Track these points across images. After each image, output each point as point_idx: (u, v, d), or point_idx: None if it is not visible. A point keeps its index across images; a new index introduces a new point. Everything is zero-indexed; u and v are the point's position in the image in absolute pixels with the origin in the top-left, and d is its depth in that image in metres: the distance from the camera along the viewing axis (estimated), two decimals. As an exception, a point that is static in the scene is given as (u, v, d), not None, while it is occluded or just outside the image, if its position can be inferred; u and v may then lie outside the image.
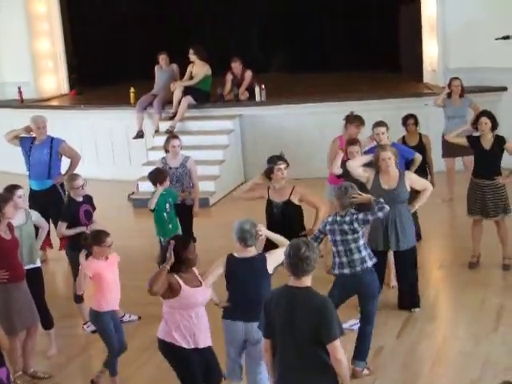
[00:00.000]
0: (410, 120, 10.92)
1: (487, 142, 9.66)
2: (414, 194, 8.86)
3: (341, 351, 5.31)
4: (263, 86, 14.71)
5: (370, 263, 7.60)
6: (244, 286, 6.67)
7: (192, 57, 14.56)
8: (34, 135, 10.68)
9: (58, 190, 10.62)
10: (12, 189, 8.23)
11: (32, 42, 16.56)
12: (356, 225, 7.53)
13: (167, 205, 9.42)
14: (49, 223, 9.58)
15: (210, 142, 14.22)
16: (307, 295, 5.36)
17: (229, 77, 14.97)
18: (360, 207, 7.68)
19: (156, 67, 15.01)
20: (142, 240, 11.10)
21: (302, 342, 5.29)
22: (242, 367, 6.92)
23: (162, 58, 14.87)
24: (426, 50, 15.25)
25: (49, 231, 9.50)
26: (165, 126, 14.57)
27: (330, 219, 7.68)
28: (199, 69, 14.53)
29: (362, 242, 7.64)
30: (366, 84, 15.63)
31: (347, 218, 7.56)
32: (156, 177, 9.49)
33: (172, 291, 6.26)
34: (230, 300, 6.81)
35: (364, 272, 7.54)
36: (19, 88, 16.10)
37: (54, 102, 16.66)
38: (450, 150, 11.83)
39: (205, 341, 6.43)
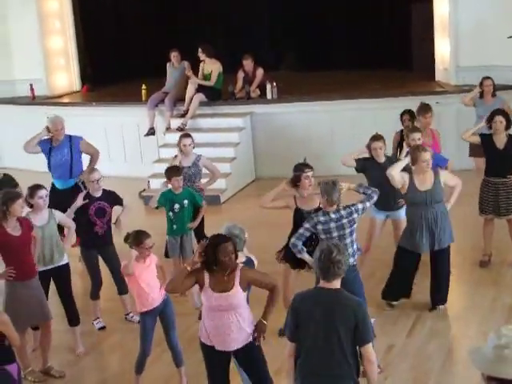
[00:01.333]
0: (405, 116, 10.92)
1: (501, 141, 9.64)
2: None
3: (374, 354, 5.34)
4: (274, 84, 14.71)
5: (352, 260, 7.52)
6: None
7: (201, 55, 14.58)
8: (51, 135, 10.68)
9: (80, 187, 10.65)
10: (34, 189, 8.26)
11: (44, 39, 16.61)
12: (356, 215, 7.49)
13: (176, 205, 9.28)
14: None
15: (221, 140, 14.24)
16: (343, 297, 5.39)
17: (240, 74, 14.97)
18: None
19: (168, 64, 15.03)
20: (153, 237, 11.04)
21: (335, 344, 5.25)
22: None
23: (174, 56, 14.89)
24: (437, 49, 15.22)
25: None
26: (176, 123, 14.60)
27: (321, 218, 7.46)
28: (211, 67, 14.54)
29: (355, 234, 7.59)
30: (378, 82, 15.61)
31: (343, 212, 7.47)
32: (166, 174, 9.47)
33: (200, 288, 6.31)
34: None
35: (348, 270, 7.43)
36: (31, 85, 16.16)
37: (66, 99, 16.70)
38: (477, 149, 11.56)
39: (226, 344, 6.33)
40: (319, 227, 7.48)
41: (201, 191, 10.12)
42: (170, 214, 9.30)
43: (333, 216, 7.47)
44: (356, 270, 7.58)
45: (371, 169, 9.23)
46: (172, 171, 9.38)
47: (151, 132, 14.79)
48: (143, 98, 15.14)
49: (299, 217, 8.11)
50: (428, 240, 8.50)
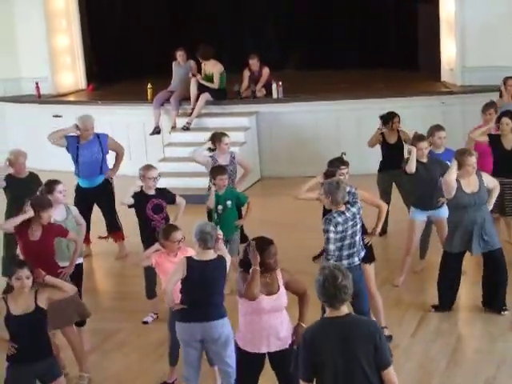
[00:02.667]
0: (396, 118, 10.92)
1: (508, 142, 9.73)
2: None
3: (395, 376, 5.04)
4: (280, 83, 14.70)
5: (356, 259, 7.55)
6: (203, 289, 6.65)
7: (201, 60, 14.62)
8: (79, 133, 10.64)
9: (110, 183, 10.71)
10: (52, 184, 8.31)
11: (50, 37, 16.60)
12: (361, 210, 7.51)
13: (219, 206, 9.23)
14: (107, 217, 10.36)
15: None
16: (355, 321, 5.08)
17: (246, 73, 14.96)
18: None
19: (173, 63, 15.02)
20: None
21: (359, 374, 4.93)
22: (198, 372, 6.93)
23: (180, 55, 14.87)
24: (443, 49, 15.18)
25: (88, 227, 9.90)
26: (182, 122, 14.59)
27: (339, 219, 7.32)
28: (212, 69, 14.52)
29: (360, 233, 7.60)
30: (384, 82, 15.59)
31: (354, 209, 7.44)
32: (211, 172, 9.41)
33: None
34: (185, 302, 6.75)
35: (353, 268, 7.33)
36: (37, 83, 16.16)
37: (71, 98, 16.69)
38: None
39: (264, 347, 6.31)
40: (339, 228, 7.34)
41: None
42: (214, 215, 9.30)
43: (348, 215, 7.40)
44: (361, 269, 7.57)
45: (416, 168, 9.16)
46: (217, 170, 9.36)
47: (157, 131, 14.79)
48: (149, 97, 15.13)
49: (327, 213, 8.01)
50: (478, 242, 8.44)
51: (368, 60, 17.22)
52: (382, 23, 18.07)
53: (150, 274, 8.64)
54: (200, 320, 6.65)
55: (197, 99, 14.50)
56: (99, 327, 8.87)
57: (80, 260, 8.45)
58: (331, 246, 7.34)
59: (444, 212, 9.11)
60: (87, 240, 10.83)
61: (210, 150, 10.26)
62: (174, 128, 14.74)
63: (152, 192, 8.92)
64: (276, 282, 6.26)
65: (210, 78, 14.56)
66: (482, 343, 8.05)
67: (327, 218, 7.43)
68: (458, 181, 8.41)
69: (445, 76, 15.24)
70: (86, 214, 10.44)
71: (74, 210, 8.51)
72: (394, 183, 10.85)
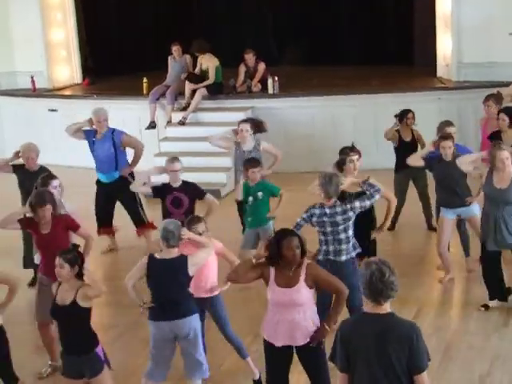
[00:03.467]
0: (410, 114, 10.87)
1: (509, 139, 9.68)
2: None
3: (428, 382, 4.92)
4: (276, 78, 14.69)
5: (353, 253, 7.56)
6: (165, 287, 6.67)
7: (196, 53, 14.62)
8: (95, 128, 10.63)
9: (127, 179, 10.65)
10: (47, 179, 8.32)
11: (45, 31, 16.56)
12: (351, 213, 7.46)
13: (250, 197, 9.14)
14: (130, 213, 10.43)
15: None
16: (394, 322, 4.95)
17: (242, 68, 14.94)
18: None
19: (169, 58, 15.01)
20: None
21: (391, 375, 4.86)
22: (167, 370, 6.92)
23: (175, 49, 14.85)
24: (439, 45, 15.19)
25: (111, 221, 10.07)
26: (177, 116, 14.58)
27: (316, 211, 7.47)
28: (207, 62, 14.51)
29: (351, 231, 7.56)
30: (380, 78, 15.60)
31: (338, 209, 7.45)
32: (243, 165, 9.34)
33: (266, 283, 6.29)
34: (153, 301, 6.79)
35: (348, 262, 7.45)
36: (32, 77, 16.13)
37: (67, 92, 16.67)
38: None
39: (287, 340, 6.30)
40: (314, 219, 7.51)
41: (264, 179, 9.87)
42: (246, 206, 9.23)
43: (327, 211, 7.47)
44: (354, 263, 7.58)
45: (437, 167, 9.12)
46: (249, 162, 9.28)
47: (152, 126, 14.76)
48: (144, 92, 15.12)
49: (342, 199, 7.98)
50: (493, 239, 8.41)
51: (364, 56, 17.25)
52: (379, 19, 18.09)
53: None
54: (168, 318, 6.66)
55: (192, 94, 14.49)
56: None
57: None
58: (294, 228, 7.39)
59: (474, 209, 9.08)
60: (113, 233, 10.96)
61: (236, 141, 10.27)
62: (169, 123, 14.72)
63: (176, 185, 8.86)
64: (297, 276, 6.20)
65: (205, 73, 14.55)
66: (476, 339, 8.06)
67: (308, 207, 7.60)
68: (491, 172, 8.39)
69: (441, 72, 15.24)
70: (107, 207, 10.60)
71: (69, 206, 8.45)
72: (411, 181, 10.87)
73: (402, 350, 4.83)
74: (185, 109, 14.59)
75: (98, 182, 10.82)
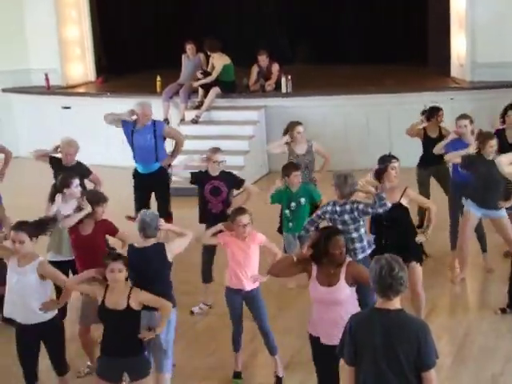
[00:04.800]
0: (440, 111, 10.83)
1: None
2: None
3: (436, 379, 4.95)
4: (289, 77, 14.69)
5: (368, 251, 7.56)
6: (143, 275, 6.66)
7: (207, 51, 14.63)
8: (135, 118, 10.52)
9: (165, 171, 10.67)
10: (69, 179, 8.31)
11: (60, 29, 16.61)
12: (356, 213, 7.47)
13: (292, 203, 9.00)
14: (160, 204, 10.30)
15: (235, 133, 14.24)
16: (403, 319, 4.97)
17: (255, 69, 14.95)
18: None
19: (183, 56, 15.03)
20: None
21: (397, 371, 4.88)
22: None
23: (189, 48, 14.87)
24: (453, 44, 15.15)
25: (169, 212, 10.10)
26: (190, 115, 14.60)
27: (329, 208, 7.53)
28: (217, 61, 14.53)
29: (363, 230, 7.57)
30: (393, 77, 15.57)
31: (347, 207, 7.47)
32: (284, 170, 9.19)
33: (309, 279, 6.30)
34: None
35: (364, 261, 7.41)
36: (46, 75, 16.18)
37: (81, 89, 16.72)
38: None
39: (326, 338, 6.30)
40: (327, 216, 7.55)
41: (315, 182, 9.90)
42: (287, 211, 9.08)
43: (337, 209, 7.50)
44: (366, 264, 7.57)
45: (479, 165, 9.01)
46: (290, 167, 9.18)
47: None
48: (158, 90, 15.15)
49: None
50: None
51: (377, 55, 17.20)
52: (392, 18, 18.05)
53: (208, 256, 8.68)
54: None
55: (205, 93, 14.50)
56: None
57: None
58: (306, 224, 7.61)
59: (502, 211, 9.02)
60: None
61: (287, 143, 10.15)
62: (182, 121, 14.74)
63: (215, 174, 8.88)
64: (338, 274, 6.22)
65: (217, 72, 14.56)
66: (488, 340, 8.05)
67: (324, 204, 7.71)
68: None
69: (454, 72, 15.20)
70: (144, 199, 10.49)
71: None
72: (433, 178, 10.75)
73: (410, 347, 4.84)
74: (198, 107, 14.61)
75: (137, 173, 10.73)
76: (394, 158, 8.24)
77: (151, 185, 10.60)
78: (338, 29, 18.45)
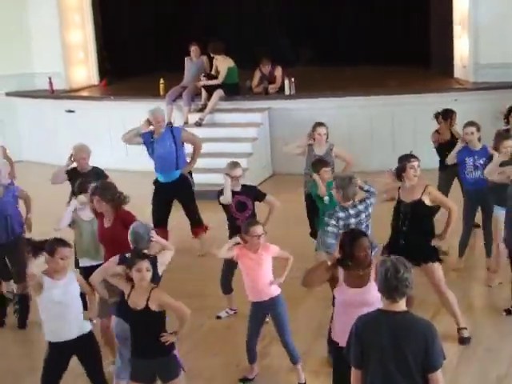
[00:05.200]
0: (454, 114, 10.81)
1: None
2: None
3: (442, 381, 4.98)
4: (292, 79, 14.70)
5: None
6: None
7: (211, 54, 14.63)
8: (152, 129, 10.54)
9: (187, 178, 10.66)
10: (86, 184, 8.33)
11: (63, 32, 16.65)
12: (370, 209, 7.53)
13: (326, 197, 8.79)
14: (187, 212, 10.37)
15: (238, 135, 14.25)
16: (410, 320, 4.99)
17: (257, 73, 15.03)
18: None
19: (186, 59, 15.04)
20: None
21: (405, 372, 4.88)
22: None
23: (193, 50, 14.88)
24: (456, 45, 15.14)
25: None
26: (194, 117, 14.61)
27: (341, 214, 7.48)
28: (221, 64, 14.54)
29: (370, 230, 7.58)
30: (396, 79, 15.55)
31: (361, 207, 7.49)
32: (313, 165, 9.11)
33: (336, 284, 6.26)
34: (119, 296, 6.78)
35: None
36: (50, 78, 16.22)
37: (84, 93, 16.75)
38: None
39: None
40: (341, 223, 7.48)
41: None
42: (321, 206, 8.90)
43: (352, 212, 7.50)
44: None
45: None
46: (320, 163, 9.10)
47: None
48: (161, 93, 15.16)
49: (398, 208, 8.01)
50: None
51: (380, 56, 17.18)
52: (395, 19, 18.03)
53: (228, 269, 8.60)
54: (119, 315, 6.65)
55: (209, 95, 14.52)
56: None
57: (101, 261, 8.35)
58: (330, 240, 7.44)
59: None
60: (166, 234, 10.52)
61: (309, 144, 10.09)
62: (186, 124, 14.75)
63: (237, 189, 8.73)
64: (368, 276, 6.17)
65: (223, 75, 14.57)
66: (493, 341, 8.04)
67: (329, 213, 7.60)
68: None
69: (457, 73, 15.19)
70: (165, 208, 10.52)
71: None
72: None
73: (417, 349, 4.85)
74: (201, 110, 14.63)
75: (157, 182, 10.71)
76: (414, 157, 8.23)
77: (174, 194, 10.56)
78: (339, 30, 18.43)
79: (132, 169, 14.43)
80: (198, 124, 14.43)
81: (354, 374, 5.09)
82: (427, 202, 8.00)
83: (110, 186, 7.98)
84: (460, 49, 15.00)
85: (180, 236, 10.86)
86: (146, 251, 6.83)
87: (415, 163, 8.10)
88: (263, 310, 7.39)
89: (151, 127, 10.54)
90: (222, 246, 7.53)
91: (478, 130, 9.60)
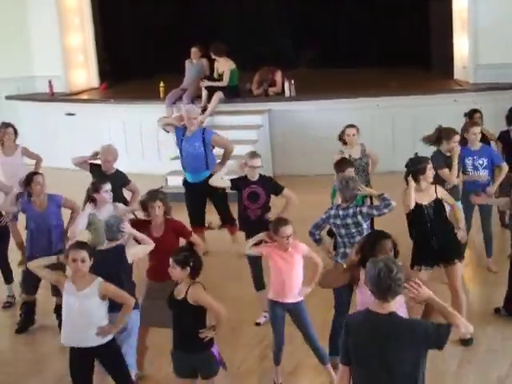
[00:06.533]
0: (476, 114, 10.81)
1: None
2: None
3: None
4: (293, 81, 14.70)
5: None
6: (105, 276, 6.60)
7: (213, 56, 14.62)
8: (183, 124, 10.48)
9: None
10: (98, 184, 8.30)
11: (63, 35, 16.67)
12: (360, 217, 7.49)
13: None
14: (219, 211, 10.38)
15: (238, 137, 14.20)
16: (396, 322, 4.97)
17: (256, 78, 15.02)
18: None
19: (186, 61, 15.03)
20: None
21: (389, 373, 4.90)
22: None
23: (193, 52, 14.85)
24: (456, 46, 15.14)
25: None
26: (194, 120, 14.59)
27: (332, 212, 7.58)
28: (222, 66, 14.52)
29: (365, 233, 7.51)
30: (396, 80, 15.54)
31: (350, 211, 7.51)
32: (337, 165, 8.96)
33: (356, 284, 6.25)
34: None
35: None
36: (50, 81, 16.23)
37: (84, 96, 16.76)
38: None
39: None
40: (331, 221, 7.60)
41: (371, 185, 9.68)
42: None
43: (340, 213, 7.55)
44: None
45: None
46: (345, 163, 8.97)
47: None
48: (161, 95, 15.16)
49: (419, 211, 7.93)
50: None
51: (380, 58, 17.21)
52: (394, 21, 18.03)
53: (256, 264, 8.45)
54: (111, 310, 6.61)
55: (209, 98, 14.52)
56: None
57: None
58: (311, 228, 7.69)
59: None
60: (202, 234, 10.50)
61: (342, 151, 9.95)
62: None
63: (254, 179, 8.64)
64: None
65: (221, 76, 14.56)
66: (494, 342, 8.03)
67: (328, 209, 7.72)
68: None
69: (457, 74, 15.19)
70: (199, 208, 10.45)
71: (121, 208, 8.50)
72: None
73: (401, 350, 4.85)
74: (202, 112, 14.61)
75: (186, 182, 10.66)
76: (428, 158, 8.27)
77: (205, 193, 10.44)
78: (342, 33, 18.43)
79: (132, 171, 14.36)
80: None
81: (342, 371, 5.08)
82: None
83: (153, 191, 7.94)
84: (460, 50, 15.00)
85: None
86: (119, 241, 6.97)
87: (430, 165, 8.12)
88: (282, 312, 7.29)
89: (182, 123, 10.47)
90: (245, 243, 7.45)
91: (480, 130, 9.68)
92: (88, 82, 17.31)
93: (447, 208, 8.31)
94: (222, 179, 9.16)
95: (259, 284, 8.62)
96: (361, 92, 14.76)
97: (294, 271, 7.22)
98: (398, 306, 5.89)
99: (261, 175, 8.73)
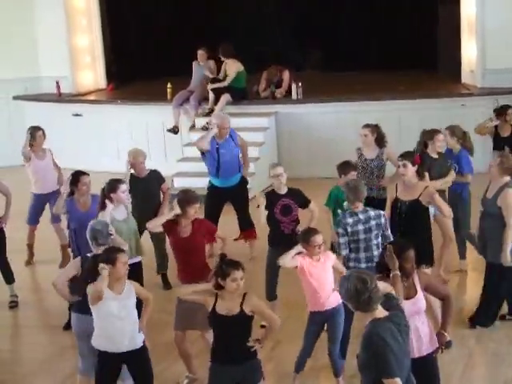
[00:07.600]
0: (509, 110, 10.78)
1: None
2: None
3: None
4: (300, 84, 14.70)
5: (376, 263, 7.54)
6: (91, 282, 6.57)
7: (221, 57, 14.62)
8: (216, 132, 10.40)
9: (246, 181, 10.66)
10: (115, 184, 8.25)
11: (70, 36, 16.69)
12: (383, 219, 7.47)
13: (345, 203, 8.40)
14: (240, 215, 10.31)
15: (245, 139, 14.18)
16: (367, 330, 5.05)
17: (264, 78, 15.00)
18: None
19: (194, 63, 15.03)
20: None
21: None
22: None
23: (200, 54, 14.85)
24: (464, 50, 15.13)
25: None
26: (201, 122, 14.60)
27: (349, 220, 7.42)
28: (230, 67, 14.53)
29: (380, 238, 7.53)
30: (403, 84, 15.54)
31: (372, 213, 7.46)
32: (341, 167, 8.89)
33: None
34: (80, 295, 6.79)
35: (372, 270, 7.36)
36: (57, 82, 16.24)
37: (91, 97, 16.77)
38: None
39: (415, 352, 6.05)
40: (349, 230, 7.42)
41: (382, 189, 9.58)
42: (339, 211, 8.56)
43: (361, 217, 7.45)
44: None
45: None
46: (348, 166, 8.87)
47: (175, 131, 14.76)
48: (169, 97, 15.16)
49: (394, 206, 7.97)
50: None
51: (387, 61, 17.18)
52: (402, 24, 18.03)
53: (275, 275, 8.39)
54: (89, 312, 6.60)
55: (216, 99, 14.51)
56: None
57: (139, 258, 8.34)
58: (343, 252, 7.47)
59: None
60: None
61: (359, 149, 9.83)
62: (193, 128, 14.75)
63: (283, 192, 8.49)
64: (413, 285, 6.15)
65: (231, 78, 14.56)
66: (499, 346, 8.02)
67: (339, 220, 7.58)
68: None
69: (465, 78, 15.18)
70: (217, 212, 10.35)
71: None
72: None
73: (366, 358, 4.94)
74: (208, 114, 14.59)
75: (213, 187, 10.55)
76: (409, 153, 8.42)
77: (228, 197, 10.43)
78: (349, 36, 18.40)
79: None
80: (205, 128, 14.34)
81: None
82: (425, 203, 7.92)
83: (190, 193, 7.85)
84: (467, 54, 14.99)
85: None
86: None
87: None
88: (323, 320, 7.28)
89: (216, 130, 10.40)
90: (285, 255, 7.29)
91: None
92: (95, 82, 17.32)
93: (431, 211, 8.24)
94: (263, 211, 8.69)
95: (272, 295, 8.58)
96: (367, 95, 14.75)
97: (328, 278, 7.22)
98: (421, 324, 5.97)
99: (289, 188, 8.56)
